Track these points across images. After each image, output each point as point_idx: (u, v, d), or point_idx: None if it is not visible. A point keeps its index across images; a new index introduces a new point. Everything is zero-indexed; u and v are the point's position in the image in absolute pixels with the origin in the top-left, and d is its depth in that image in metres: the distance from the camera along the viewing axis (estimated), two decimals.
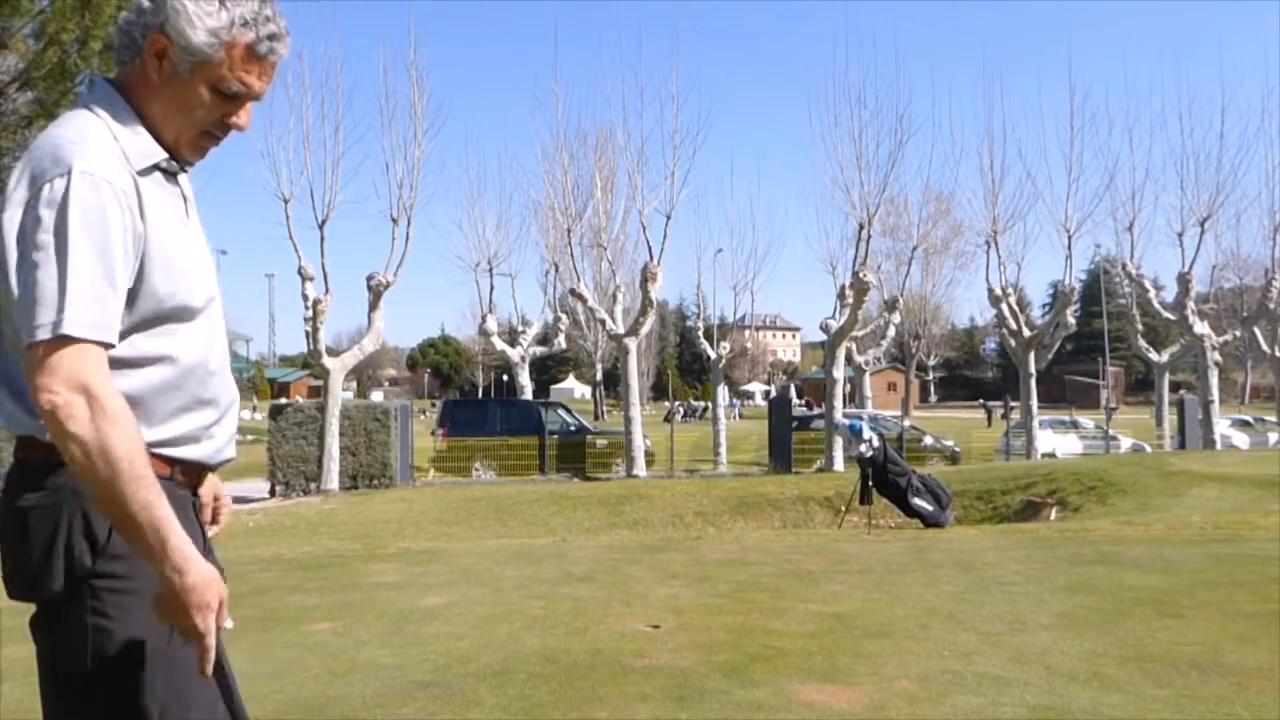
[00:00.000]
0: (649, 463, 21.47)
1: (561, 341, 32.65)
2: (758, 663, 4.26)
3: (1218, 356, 24.09)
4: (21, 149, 13.28)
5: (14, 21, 12.11)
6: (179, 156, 1.61)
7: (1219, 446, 22.56)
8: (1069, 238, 23.28)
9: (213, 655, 1.44)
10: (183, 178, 1.66)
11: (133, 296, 1.48)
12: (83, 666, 1.47)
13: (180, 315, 1.55)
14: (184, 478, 1.61)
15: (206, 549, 1.69)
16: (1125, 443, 24.75)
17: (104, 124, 1.51)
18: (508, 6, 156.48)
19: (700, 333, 29.30)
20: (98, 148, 1.47)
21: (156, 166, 1.55)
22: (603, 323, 23.58)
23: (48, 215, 1.40)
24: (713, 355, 27.70)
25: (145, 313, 1.50)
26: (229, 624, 1.46)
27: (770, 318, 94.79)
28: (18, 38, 12.34)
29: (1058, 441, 25.28)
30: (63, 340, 1.36)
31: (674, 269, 48.65)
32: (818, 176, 54.63)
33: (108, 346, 1.42)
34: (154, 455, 1.53)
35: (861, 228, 20.74)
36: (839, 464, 19.79)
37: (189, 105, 1.56)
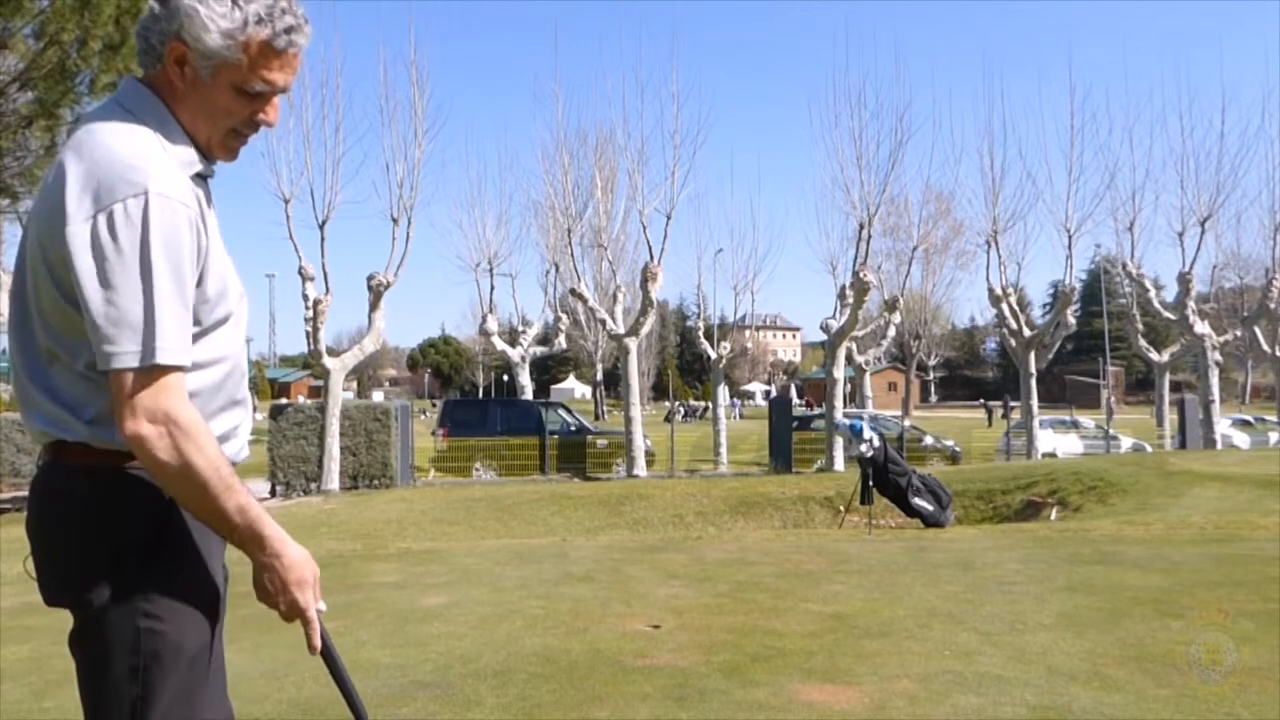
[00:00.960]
0: (649, 463, 21.47)
1: (562, 341, 32.65)
2: (758, 663, 4.26)
3: (1218, 356, 24.07)
4: (22, 149, 13.31)
5: (14, 21, 12.11)
6: (209, 158, 1.61)
7: (1219, 446, 22.55)
8: (1069, 237, 23.30)
9: (318, 629, 1.55)
10: None
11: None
12: (132, 667, 1.47)
13: (226, 318, 1.58)
14: None
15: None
16: (1126, 442, 24.75)
17: (156, 136, 1.51)
18: (508, 6, 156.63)
19: (700, 333, 29.29)
20: (164, 165, 1.47)
21: (198, 173, 1.56)
22: (603, 323, 23.57)
23: (128, 237, 1.39)
24: (713, 355, 27.70)
25: (201, 319, 1.53)
26: (322, 605, 1.56)
27: (770, 318, 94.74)
28: (18, 37, 12.34)
29: (1058, 441, 25.28)
30: (153, 370, 1.40)
31: (674, 269, 48.67)
32: (818, 176, 54.72)
33: (186, 369, 1.46)
34: None
35: (862, 227, 20.73)
36: (839, 464, 19.79)
37: (215, 108, 1.55)
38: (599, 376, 51.97)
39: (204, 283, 1.51)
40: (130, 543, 1.48)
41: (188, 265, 1.45)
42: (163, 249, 1.41)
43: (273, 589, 1.51)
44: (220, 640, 1.63)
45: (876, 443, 11.18)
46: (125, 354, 1.39)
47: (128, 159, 1.44)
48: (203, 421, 1.45)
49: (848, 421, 13.58)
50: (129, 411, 1.39)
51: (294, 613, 1.53)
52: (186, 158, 1.54)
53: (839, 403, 20.56)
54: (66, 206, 1.41)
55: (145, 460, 1.42)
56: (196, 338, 1.52)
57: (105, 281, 1.39)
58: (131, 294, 1.39)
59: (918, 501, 11.01)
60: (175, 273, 1.42)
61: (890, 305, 27.14)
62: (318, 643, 1.56)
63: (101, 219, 1.39)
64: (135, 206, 1.40)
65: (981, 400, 54.70)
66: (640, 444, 21.04)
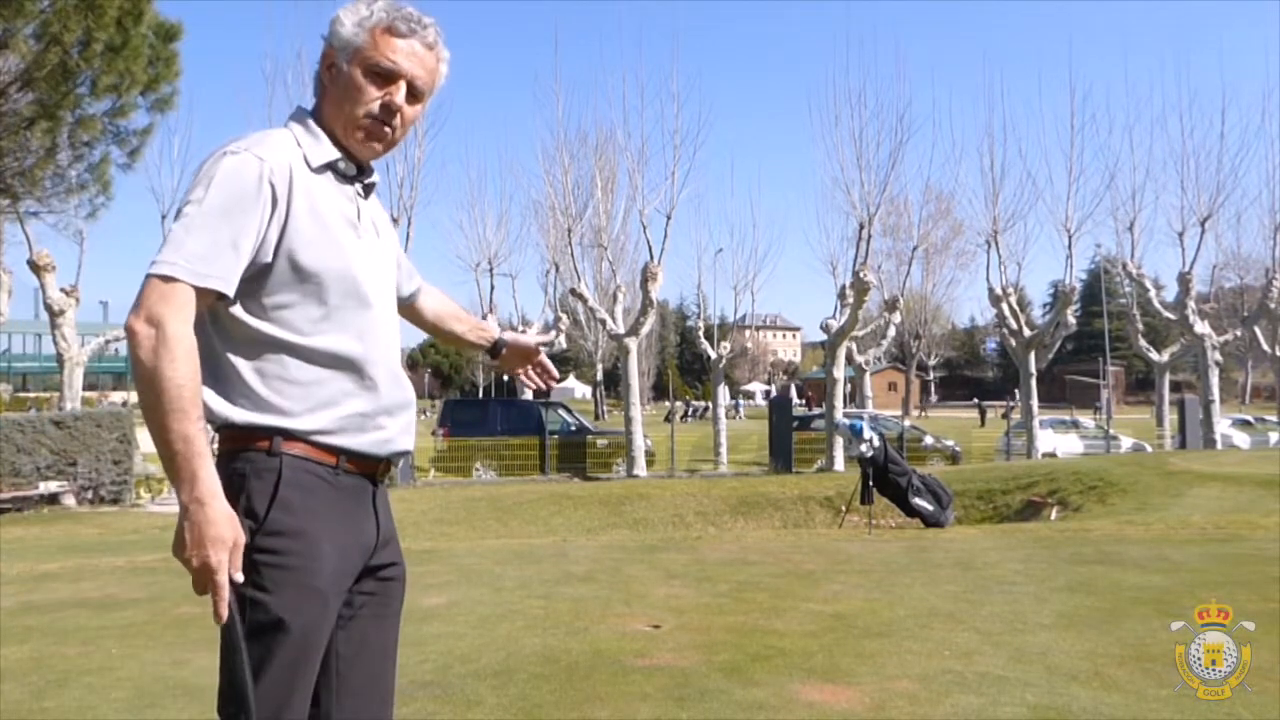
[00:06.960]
0: (649, 463, 21.48)
1: (562, 341, 32.69)
2: (758, 662, 4.26)
3: (1218, 356, 24.09)
4: (23, 149, 13.30)
5: (16, 22, 12.10)
6: (356, 159, 1.76)
7: (1220, 446, 22.56)
8: (1069, 237, 23.36)
9: (226, 595, 1.49)
10: (373, 199, 1.82)
11: (273, 272, 1.62)
12: (237, 636, 1.53)
13: (325, 301, 1.65)
14: (353, 467, 1.70)
15: (388, 531, 1.81)
16: (1126, 442, 24.76)
17: (287, 130, 1.73)
18: (508, 6, 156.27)
19: (701, 333, 29.30)
20: (261, 139, 1.66)
21: (330, 166, 1.71)
22: (603, 323, 23.58)
23: (200, 185, 1.59)
24: (713, 355, 27.70)
25: (291, 292, 1.63)
26: (238, 576, 1.51)
27: (770, 318, 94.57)
28: (19, 38, 12.32)
29: (1058, 441, 25.29)
30: (161, 278, 1.52)
31: (674, 269, 48.74)
32: (818, 176, 54.84)
33: (211, 294, 1.55)
34: (317, 445, 1.65)
35: (862, 227, 20.75)
36: (839, 464, 19.80)
37: (350, 90, 1.73)
38: (599, 376, 51.97)
39: (287, 254, 1.61)
40: (249, 517, 1.56)
41: (247, 202, 1.58)
42: (220, 186, 1.57)
43: (189, 539, 1.46)
44: (380, 640, 1.72)
45: (876, 443, 11.18)
46: (151, 264, 1.54)
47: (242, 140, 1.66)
48: (190, 341, 1.51)
49: (848, 421, 13.58)
50: (134, 307, 1.52)
51: (205, 573, 1.47)
52: (320, 150, 1.71)
53: (839, 403, 20.56)
54: None
55: (129, 352, 1.51)
56: (292, 306, 1.63)
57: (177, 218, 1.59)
58: (180, 224, 1.56)
59: (918, 501, 11.01)
60: (223, 205, 1.56)
61: (890, 305, 27.14)
62: (224, 611, 1.49)
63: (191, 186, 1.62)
64: (213, 162, 1.61)
65: (975, 400, 54.49)
66: (640, 444, 21.04)
